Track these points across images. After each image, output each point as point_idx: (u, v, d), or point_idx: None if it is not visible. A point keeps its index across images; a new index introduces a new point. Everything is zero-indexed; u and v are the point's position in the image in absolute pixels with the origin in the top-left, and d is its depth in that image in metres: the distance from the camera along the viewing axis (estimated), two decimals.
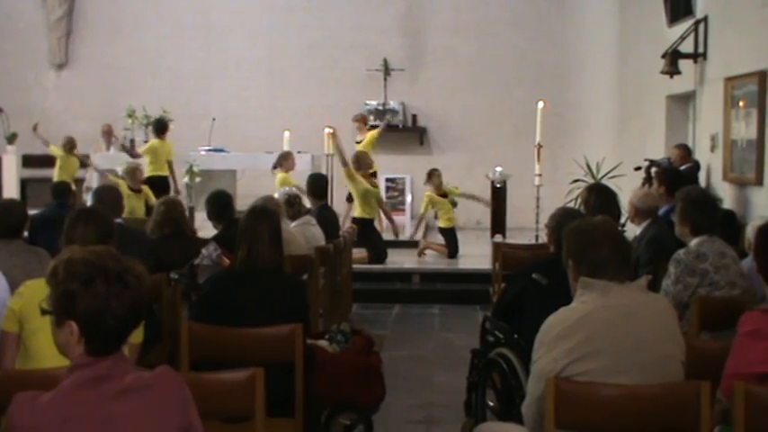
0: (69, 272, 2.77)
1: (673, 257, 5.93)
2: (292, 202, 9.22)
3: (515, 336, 5.23)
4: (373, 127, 17.28)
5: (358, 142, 15.61)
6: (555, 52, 18.17)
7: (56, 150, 16.00)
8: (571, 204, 11.36)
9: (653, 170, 11.22)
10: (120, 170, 13.50)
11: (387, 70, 18.23)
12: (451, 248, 13.96)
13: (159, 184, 14.46)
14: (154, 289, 5.89)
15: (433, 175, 14.12)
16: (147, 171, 14.81)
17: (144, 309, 2.85)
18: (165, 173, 15.06)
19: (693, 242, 5.96)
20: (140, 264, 2.89)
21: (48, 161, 16.28)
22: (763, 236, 4.25)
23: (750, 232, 6.49)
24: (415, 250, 14.01)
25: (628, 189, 10.01)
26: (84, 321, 2.74)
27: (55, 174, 15.92)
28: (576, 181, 13.81)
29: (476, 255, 13.77)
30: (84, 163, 16.15)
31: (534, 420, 3.89)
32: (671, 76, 12.04)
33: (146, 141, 16.70)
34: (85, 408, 2.69)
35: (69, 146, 16.14)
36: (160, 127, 15.31)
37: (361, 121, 16.02)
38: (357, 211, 13.37)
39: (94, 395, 2.70)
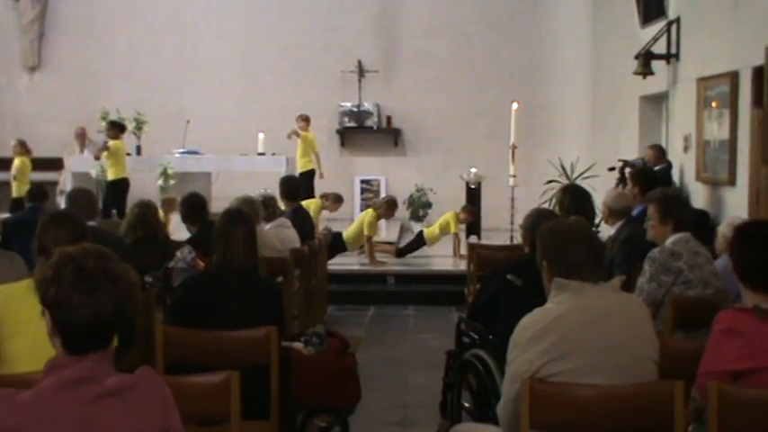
0: (53, 261, 2.77)
1: (647, 256, 5.97)
2: (267, 204, 9.20)
3: (490, 337, 5.24)
4: (348, 129, 17.42)
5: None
6: (528, 53, 18.24)
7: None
8: (546, 205, 11.42)
9: (627, 171, 11.28)
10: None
11: (361, 72, 18.24)
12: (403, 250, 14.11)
13: (123, 186, 14.41)
14: None
15: (469, 212, 14.16)
16: (110, 174, 14.74)
17: (116, 316, 2.77)
18: (127, 174, 14.98)
19: (669, 241, 6.00)
20: (129, 272, 2.87)
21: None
22: (739, 234, 4.27)
23: (725, 231, 6.55)
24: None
25: (602, 189, 10.05)
26: (50, 311, 2.74)
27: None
28: (550, 182, 13.87)
29: (451, 255, 13.78)
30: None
31: (509, 421, 3.89)
32: (644, 77, 12.11)
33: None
34: (65, 409, 2.66)
35: (22, 148, 16.04)
36: (121, 128, 15.22)
37: (305, 120, 16.02)
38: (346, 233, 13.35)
39: (74, 397, 2.68)
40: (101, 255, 2.81)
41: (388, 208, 13.52)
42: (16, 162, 15.85)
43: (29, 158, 16.10)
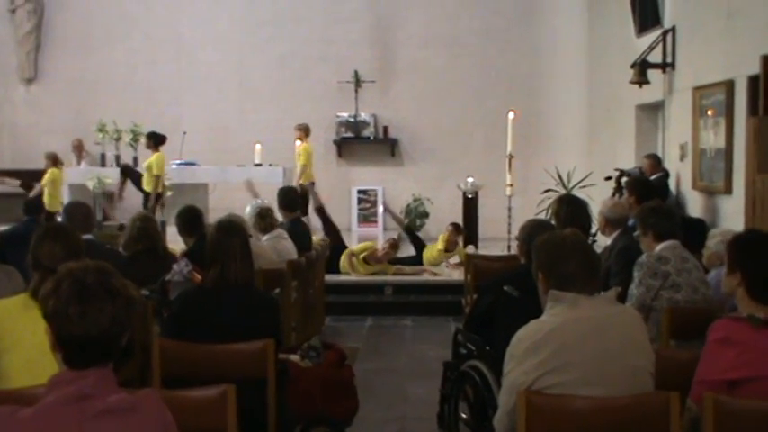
0: (55, 276, 2.79)
1: (636, 261, 6.02)
2: (264, 215, 9.20)
3: (487, 347, 5.24)
4: (345, 139, 17.47)
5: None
6: (525, 63, 18.25)
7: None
8: (542, 215, 11.42)
9: (623, 180, 11.30)
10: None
11: (357, 82, 18.24)
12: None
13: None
14: None
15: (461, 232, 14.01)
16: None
17: (114, 330, 2.78)
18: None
19: (657, 248, 6.05)
20: (130, 287, 2.87)
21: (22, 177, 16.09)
22: (755, 244, 4.27)
23: (714, 248, 6.58)
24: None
25: (598, 199, 10.07)
26: (49, 323, 2.75)
27: None
28: (547, 191, 13.90)
29: (446, 266, 13.75)
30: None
31: None
32: (640, 86, 12.14)
33: (117, 155, 16.64)
34: (65, 426, 2.66)
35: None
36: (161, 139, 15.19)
37: (303, 130, 16.06)
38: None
39: (75, 413, 2.67)
40: (101, 270, 2.82)
41: (390, 248, 13.46)
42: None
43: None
